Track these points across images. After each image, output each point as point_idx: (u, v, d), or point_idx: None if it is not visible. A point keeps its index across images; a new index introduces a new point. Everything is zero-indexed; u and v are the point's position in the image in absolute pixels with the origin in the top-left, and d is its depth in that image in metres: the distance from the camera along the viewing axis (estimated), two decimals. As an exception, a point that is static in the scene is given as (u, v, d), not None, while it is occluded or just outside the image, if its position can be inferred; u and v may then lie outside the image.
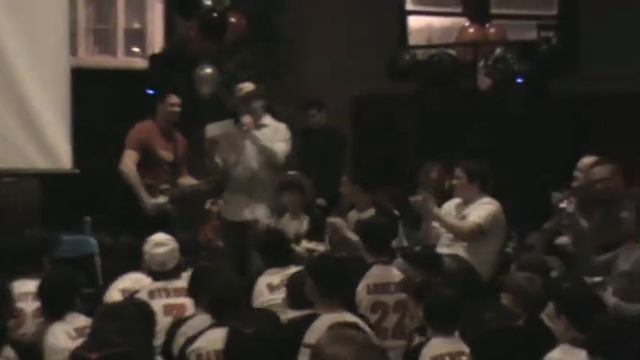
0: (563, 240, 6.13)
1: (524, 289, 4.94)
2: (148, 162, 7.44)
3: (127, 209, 7.41)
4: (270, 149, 7.39)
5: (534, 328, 4.65)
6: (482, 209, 6.42)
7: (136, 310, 4.38)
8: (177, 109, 7.61)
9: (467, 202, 6.54)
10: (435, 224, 6.57)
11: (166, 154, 7.54)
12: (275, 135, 7.46)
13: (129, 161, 7.39)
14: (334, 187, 7.65)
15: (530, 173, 9.10)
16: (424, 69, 9.80)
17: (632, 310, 4.88)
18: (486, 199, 6.50)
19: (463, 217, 6.46)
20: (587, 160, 6.30)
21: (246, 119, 7.39)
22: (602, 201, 6.01)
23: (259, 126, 7.46)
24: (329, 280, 4.80)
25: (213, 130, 7.56)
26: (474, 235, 6.34)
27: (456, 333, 4.69)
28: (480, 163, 6.76)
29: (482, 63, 9.45)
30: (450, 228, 6.42)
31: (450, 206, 6.68)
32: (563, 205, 5.43)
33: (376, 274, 5.84)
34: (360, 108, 10.33)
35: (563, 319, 4.32)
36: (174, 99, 7.62)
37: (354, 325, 4.57)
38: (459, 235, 6.37)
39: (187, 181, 7.66)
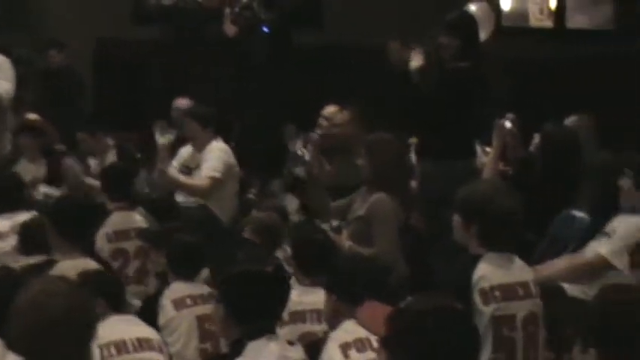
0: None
1: (264, 221, 5.25)
2: None
3: None
4: None
5: (277, 273, 4.73)
6: (214, 159, 6.27)
7: None
8: None
9: (199, 149, 6.37)
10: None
11: None
12: None
13: None
14: (74, 130, 7.43)
15: (274, 121, 9.22)
16: (169, 14, 9.68)
17: (365, 253, 5.06)
18: (215, 144, 6.36)
19: (197, 169, 6.35)
20: (331, 108, 6.43)
21: None
22: (341, 148, 6.18)
23: None
24: (70, 225, 4.64)
25: None
26: (213, 189, 6.23)
27: (199, 277, 4.72)
28: (203, 105, 6.59)
29: (228, 10, 9.41)
30: (188, 192, 6.28)
31: (183, 156, 6.52)
32: (300, 152, 5.53)
33: (116, 221, 5.75)
34: (103, 51, 10.08)
35: (293, 264, 4.49)
36: None
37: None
38: (199, 195, 6.24)
39: None
